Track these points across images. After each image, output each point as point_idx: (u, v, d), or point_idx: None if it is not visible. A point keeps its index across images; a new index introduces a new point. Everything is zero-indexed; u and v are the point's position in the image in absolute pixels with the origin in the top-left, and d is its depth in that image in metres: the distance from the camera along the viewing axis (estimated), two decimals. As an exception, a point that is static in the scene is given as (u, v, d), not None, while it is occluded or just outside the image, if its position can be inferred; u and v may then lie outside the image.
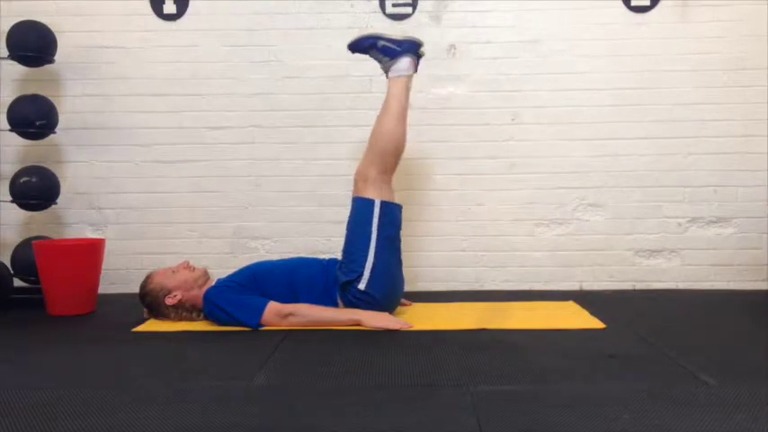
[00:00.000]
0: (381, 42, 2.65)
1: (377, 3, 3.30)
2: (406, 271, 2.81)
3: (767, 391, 1.75)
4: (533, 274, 3.33)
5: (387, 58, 2.68)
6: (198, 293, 2.60)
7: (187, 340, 2.40)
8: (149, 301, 2.63)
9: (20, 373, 2.05)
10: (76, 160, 3.37)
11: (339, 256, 2.70)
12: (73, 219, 3.38)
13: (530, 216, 3.32)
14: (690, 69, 3.25)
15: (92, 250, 2.95)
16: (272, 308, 2.51)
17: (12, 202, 3.08)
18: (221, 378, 1.95)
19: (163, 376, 1.98)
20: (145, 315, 2.67)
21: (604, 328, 2.48)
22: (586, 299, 3.00)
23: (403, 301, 2.85)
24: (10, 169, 3.21)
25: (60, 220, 3.38)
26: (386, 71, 2.73)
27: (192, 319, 2.62)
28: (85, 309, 2.88)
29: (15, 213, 3.26)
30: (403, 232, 2.78)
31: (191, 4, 3.32)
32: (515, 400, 1.71)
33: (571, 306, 2.88)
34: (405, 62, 2.67)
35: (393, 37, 2.66)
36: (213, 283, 2.63)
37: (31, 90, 3.21)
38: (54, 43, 3.17)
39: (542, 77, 3.28)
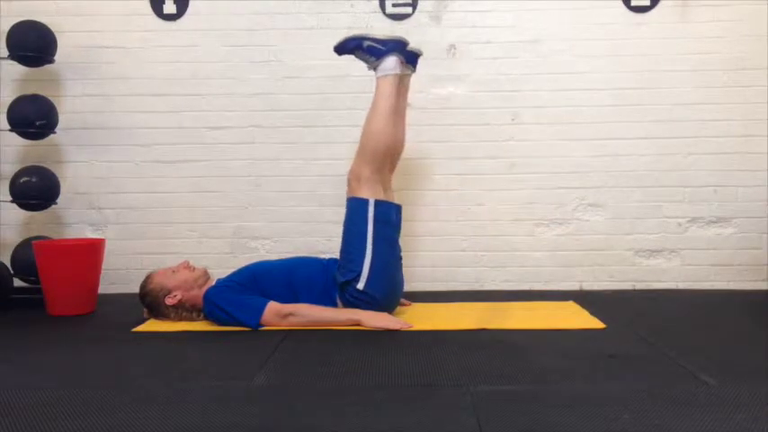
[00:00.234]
0: (367, 43, 2.66)
1: (377, 3, 3.30)
2: (405, 271, 2.81)
3: (767, 391, 1.75)
4: (533, 274, 3.33)
5: (373, 58, 2.69)
6: (198, 293, 2.60)
7: (187, 340, 2.40)
8: (149, 301, 2.63)
9: (20, 373, 2.05)
10: (76, 160, 3.37)
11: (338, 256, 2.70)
12: (73, 219, 3.38)
13: (530, 216, 3.32)
14: (690, 69, 3.25)
15: (92, 250, 2.95)
16: (272, 308, 2.51)
17: (12, 202, 3.08)
18: (221, 378, 1.95)
19: (163, 376, 1.98)
20: (145, 315, 2.67)
21: (604, 328, 2.48)
22: (586, 299, 3.00)
23: (403, 301, 2.85)
24: (10, 169, 3.21)
25: (60, 220, 3.38)
26: (373, 71, 2.73)
27: (192, 319, 2.62)
28: (85, 309, 2.88)
29: (15, 213, 3.26)
30: (403, 232, 2.79)
31: (191, 4, 3.32)
32: (515, 400, 1.71)
33: (571, 306, 2.88)
34: (390, 61, 2.67)
35: (378, 37, 2.67)
36: (213, 283, 2.63)
37: (31, 90, 3.21)
38: (54, 43, 3.17)
39: (542, 77, 3.28)
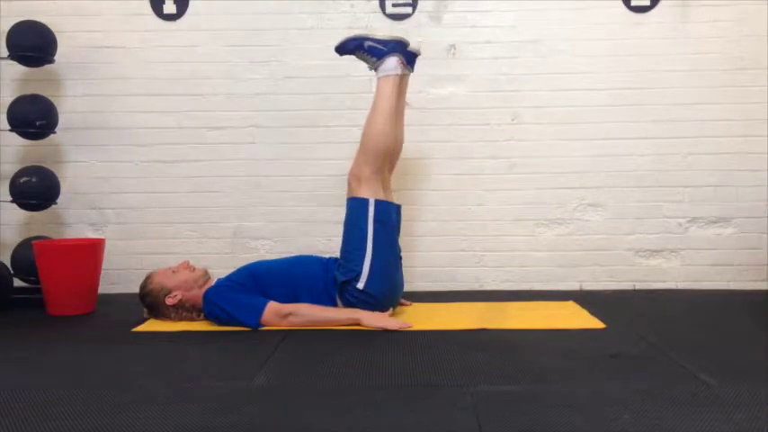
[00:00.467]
0: (368, 43, 2.66)
1: (377, 3, 3.30)
2: (405, 271, 2.81)
3: (767, 391, 1.75)
4: (533, 274, 3.33)
5: (374, 59, 2.69)
6: (198, 293, 2.60)
7: (187, 340, 2.40)
8: (149, 301, 2.63)
9: (20, 372, 2.05)
10: (76, 160, 3.37)
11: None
12: (73, 219, 3.38)
13: (530, 216, 3.32)
14: (689, 69, 3.25)
15: (92, 250, 2.95)
16: (272, 308, 2.51)
17: (12, 202, 3.08)
18: (221, 378, 1.95)
19: (163, 376, 1.98)
20: (145, 315, 2.67)
21: (604, 328, 2.48)
22: (586, 299, 3.00)
23: (403, 301, 2.85)
24: (10, 169, 3.21)
25: (60, 220, 3.38)
26: (374, 71, 2.73)
27: (192, 319, 2.62)
28: (85, 309, 2.88)
29: (15, 213, 3.26)
30: (403, 232, 2.79)
31: (191, 4, 3.32)
32: (515, 400, 1.71)
33: (571, 306, 2.88)
34: (391, 62, 2.67)
35: (379, 37, 2.67)
36: (213, 283, 2.63)
37: (30, 90, 3.21)
38: (54, 43, 3.17)
39: (542, 77, 3.28)
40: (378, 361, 2.08)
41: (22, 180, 3.05)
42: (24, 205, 3.09)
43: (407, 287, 2.88)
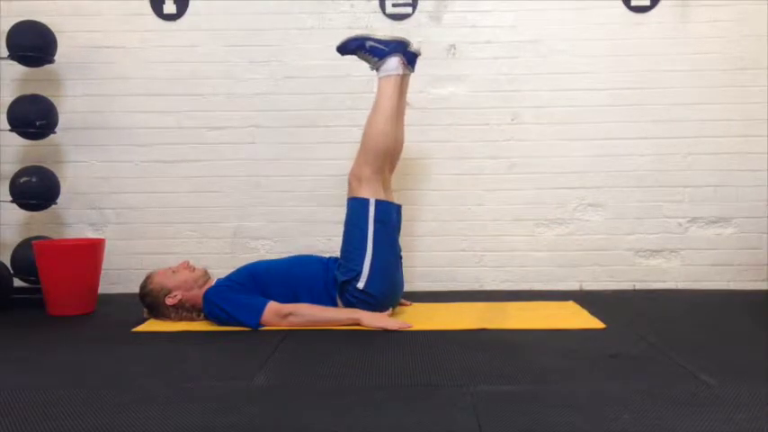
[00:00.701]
0: (369, 43, 2.67)
1: (377, 3, 3.30)
2: (405, 271, 2.81)
3: (767, 391, 1.75)
4: (533, 274, 3.33)
5: (375, 59, 2.69)
6: (198, 293, 2.60)
7: (187, 340, 2.40)
8: (149, 301, 2.63)
9: (20, 372, 2.05)
10: (76, 160, 3.37)
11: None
12: (73, 219, 3.38)
13: (530, 216, 3.32)
14: (689, 69, 3.25)
15: (92, 250, 2.95)
16: (272, 308, 2.51)
17: (12, 202, 3.08)
18: (221, 378, 1.95)
19: (163, 376, 1.98)
20: (145, 315, 2.67)
21: (604, 328, 2.48)
22: (586, 299, 3.00)
23: (403, 301, 2.85)
24: (10, 169, 3.21)
25: (60, 220, 3.38)
26: (376, 71, 2.73)
27: (192, 319, 2.62)
28: (85, 309, 2.88)
29: (15, 213, 3.26)
30: (403, 232, 2.79)
31: (191, 4, 3.32)
32: (515, 400, 1.71)
33: (571, 306, 2.88)
34: (393, 62, 2.67)
35: (380, 37, 2.67)
36: (213, 283, 2.63)
37: (30, 90, 3.21)
38: (54, 43, 3.17)
39: (542, 77, 3.28)
40: (378, 361, 2.08)
41: (22, 180, 3.05)
42: (24, 205, 3.09)
43: (407, 287, 2.88)
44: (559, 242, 3.32)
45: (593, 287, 3.31)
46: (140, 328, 2.58)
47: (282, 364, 2.07)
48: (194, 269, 2.68)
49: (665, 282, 3.31)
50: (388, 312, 2.62)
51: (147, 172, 3.37)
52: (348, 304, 2.59)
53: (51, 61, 3.20)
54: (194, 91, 3.34)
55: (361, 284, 2.56)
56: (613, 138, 3.29)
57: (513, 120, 3.30)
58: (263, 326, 2.50)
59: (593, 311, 2.72)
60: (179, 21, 3.33)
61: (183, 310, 2.61)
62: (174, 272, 2.65)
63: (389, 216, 2.66)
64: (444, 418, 1.60)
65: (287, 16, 3.32)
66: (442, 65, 3.29)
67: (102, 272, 3.01)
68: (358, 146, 2.70)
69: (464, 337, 2.37)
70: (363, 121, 2.73)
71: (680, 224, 3.30)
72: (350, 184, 2.68)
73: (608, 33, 3.27)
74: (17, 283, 3.08)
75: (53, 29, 3.16)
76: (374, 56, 2.69)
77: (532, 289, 3.31)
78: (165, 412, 1.65)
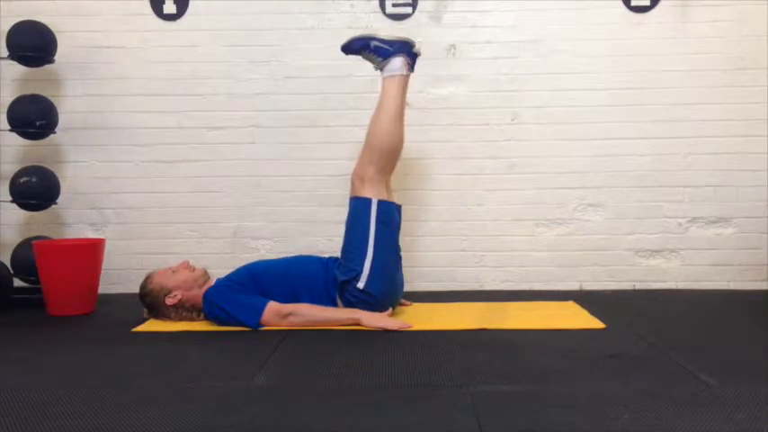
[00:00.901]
0: (374, 43, 2.67)
1: (377, 3, 3.30)
2: (405, 271, 2.81)
3: (767, 391, 1.75)
4: (533, 274, 3.33)
5: (380, 59, 2.69)
6: (198, 293, 2.60)
7: (187, 340, 2.40)
8: (149, 301, 2.63)
9: (20, 372, 2.05)
10: (76, 160, 3.37)
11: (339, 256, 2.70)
12: (73, 219, 3.38)
13: (530, 216, 3.32)
14: (689, 69, 3.25)
15: (92, 250, 2.95)
16: (272, 308, 2.51)
17: (12, 202, 3.08)
18: (221, 378, 1.95)
19: (163, 376, 1.98)
20: (145, 315, 2.68)
21: (604, 328, 2.48)
22: (586, 299, 3.00)
23: (403, 301, 2.85)
24: (10, 169, 3.21)
25: (60, 220, 3.38)
26: (380, 71, 2.74)
27: (192, 319, 2.62)
28: (85, 309, 2.88)
29: (15, 213, 3.26)
30: (403, 232, 2.79)
31: (191, 4, 3.32)
32: (515, 400, 1.71)
33: (571, 306, 2.88)
34: (397, 62, 2.67)
35: (385, 37, 2.67)
36: (213, 283, 2.63)
37: (30, 90, 3.21)
38: (54, 43, 3.17)
39: (542, 77, 3.28)
40: (378, 361, 2.08)
41: (22, 180, 3.05)
42: (24, 205, 3.09)
43: (407, 287, 2.88)
44: (559, 242, 3.32)
45: (593, 287, 3.31)
46: (140, 328, 2.58)
47: (282, 364, 2.07)
48: (194, 269, 2.68)
49: (665, 282, 3.31)
50: (388, 312, 2.62)
51: (147, 172, 3.37)
52: (348, 304, 2.59)
53: (51, 61, 3.20)
54: (194, 91, 3.34)
55: (361, 284, 2.56)
56: (613, 138, 3.29)
57: (513, 120, 3.30)
58: (263, 326, 2.50)
59: (593, 311, 2.72)
60: (179, 21, 3.33)
61: (183, 310, 2.61)
62: (173, 272, 2.65)
63: (392, 216, 2.66)
64: (444, 418, 1.60)
65: (287, 16, 3.32)
66: (441, 65, 3.29)
67: (102, 272, 3.01)
68: (359, 146, 2.70)
69: (464, 337, 2.37)
70: (364, 121, 2.73)
71: (680, 224, 3.30)
72: (353, 183, 2.68)
73: (608, 33, 3.27)
74: (17, 283, 3.08)
75: (53, 29, 3.16)
76: (378, 56, 2.69)
77: (532, 289, 3.31)
78: (165, 412, 1.65)
